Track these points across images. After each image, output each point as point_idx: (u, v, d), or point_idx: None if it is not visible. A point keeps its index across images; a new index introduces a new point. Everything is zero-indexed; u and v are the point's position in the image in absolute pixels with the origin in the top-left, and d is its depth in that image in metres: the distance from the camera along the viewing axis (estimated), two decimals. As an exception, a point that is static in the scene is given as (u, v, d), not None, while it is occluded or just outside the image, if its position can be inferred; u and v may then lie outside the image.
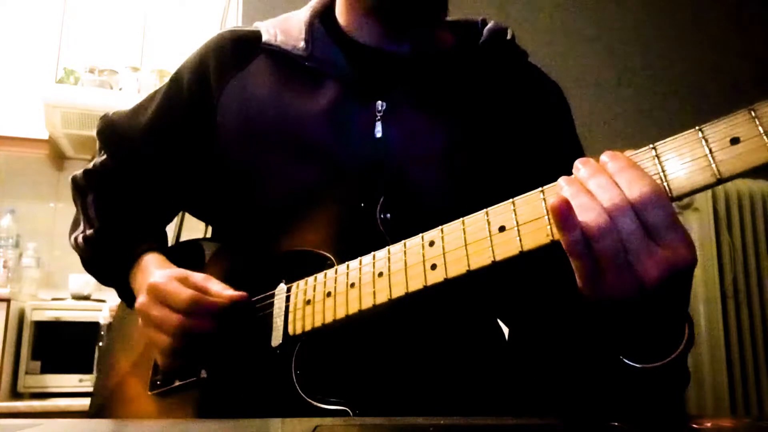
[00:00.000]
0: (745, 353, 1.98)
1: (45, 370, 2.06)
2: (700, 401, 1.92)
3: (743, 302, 2.01)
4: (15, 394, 2.05)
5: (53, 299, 2.33)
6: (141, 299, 0.72)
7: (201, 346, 0.69)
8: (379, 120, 0.73)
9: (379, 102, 0.74)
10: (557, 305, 0.70)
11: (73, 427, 0.56)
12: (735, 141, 0.43)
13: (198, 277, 0.71)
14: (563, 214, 0.46)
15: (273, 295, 0.69)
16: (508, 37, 0.82)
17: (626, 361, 0.53)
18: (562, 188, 0.49)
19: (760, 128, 0.42)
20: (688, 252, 0.46)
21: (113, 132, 0.89)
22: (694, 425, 0.49)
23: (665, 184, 0.46)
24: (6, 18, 2.47)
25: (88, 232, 0.84)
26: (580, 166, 0.49)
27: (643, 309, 0.49)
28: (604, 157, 0.49)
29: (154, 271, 0.74)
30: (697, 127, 0.45)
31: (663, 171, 0.46)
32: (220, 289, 0.69)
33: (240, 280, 0.73)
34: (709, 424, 0.49)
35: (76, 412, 1.88)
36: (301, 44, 0.77)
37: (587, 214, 0.46)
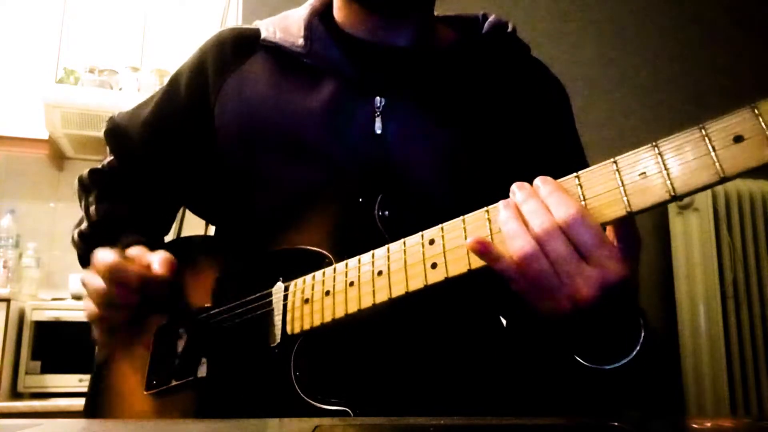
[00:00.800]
0: (745, 353, 1.98)
1: (45, 370, 2.06)
2: (700, 401, 1.91)
3: (743, 302, 2.01)
4: (15, 394, 2.05)
5: (53, 299, 2.33)
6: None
7: (126, 318, 0.70)
8: (378, 116, 0.73)
9: (378, 98, 0.74)
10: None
11: (73, 427, 0.56)
12: (738, 139, 0.43)
13: (134, 249, 0.72)
14: (481, 252, 0.51)
15: (270, 294, 0.69)
16: (509, 29, 0.82)
17: (582, 361, 0.57)
18: (498, 212, 0.52)
19: (764, 126, 0.42)
20: (619, 267, 0.48)
21: (116, 132, 0.89)
22: (694, 425, 0.49)
23: (668, 182, 0.46)
24: (6, 18, 2.47)
25: (83, 226, 0.86)
26: (515, 191, 0.52)
27: (582, 322, 0.51)
28: (537, 181, 0.51)
29: None
30: (699, 125, 0.45)
31: (666, 169, 0.46)
32: (151, 259, 0.69)
33: (236, 277, 0.73)
34: (709, 424, 0.49)
35: (76, 412, 1.87)
36: (300, 41, 0.77)
37: (516, 242, 0.49)
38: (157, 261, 0.69)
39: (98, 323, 0.71)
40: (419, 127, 0.74)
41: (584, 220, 0.48)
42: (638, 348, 0.55)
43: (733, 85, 2.19)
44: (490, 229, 0.53)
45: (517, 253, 0.49)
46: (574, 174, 0.51)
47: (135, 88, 2.40)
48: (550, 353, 0.66)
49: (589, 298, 0.48)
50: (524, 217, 0.50)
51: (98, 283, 0.69)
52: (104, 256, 0.69)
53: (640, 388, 0.60)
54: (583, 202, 0.50)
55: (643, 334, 0.56)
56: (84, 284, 0.72)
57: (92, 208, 0.86)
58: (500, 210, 0.52)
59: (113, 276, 0.68)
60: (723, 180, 0.44)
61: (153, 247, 0.80)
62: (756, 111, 0.43)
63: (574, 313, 0.49)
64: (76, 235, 0.86)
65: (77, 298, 2.31)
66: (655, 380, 0.64)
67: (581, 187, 0.50)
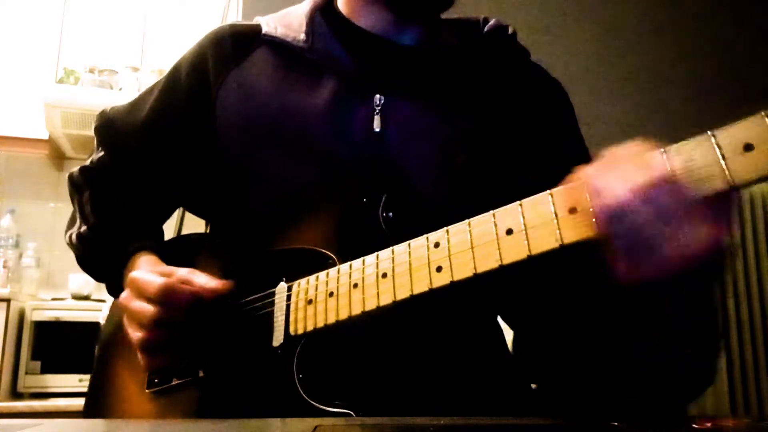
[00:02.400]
0: (745, 353, 1.98)
1: (45, 370, 2.06)
2: (700, 401, 1.92)
3: (743, 302, 2.01)
4: (15, 394, 2.05)
5: (53, 299, 2.33)
6: (122, 294, 0.70)
7: (178, 340, 0.68)
8: (377, 114, 0.73)
9: (378, 96, 0.74)
10: (566, 306, 0.70)
11: (73, 427, 0.56)
12: (749, 148, 0.43)
13: (182, 271, 0.69)
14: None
15: (273, 294, 0.69)
16: (510, 32, 0.82)
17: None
18: (603, 156, 0.49)
19: None
20: (715, 234, 0.46)
21: (111, 128, 0.88)
22: (694, 425, 0.49)
23: None
24: (6, 18, 2.47)
25: (83, 229, 0.84)
26: (605, 154, 0.50)
27: (672, 288, 0.50)
28: (625, 148, 0.50)
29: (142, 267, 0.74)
30: (709, 132, 0.44)
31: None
32: (203, 281, 0.68)
33: (238, 277, 0.73)
34: (709, 424, 0.49)
35: (76, 412, 1.87)
36: (302, 36, 0.77)
37: (607, 198, 0.47)
38: (207, 279, 0.68)
39: (149, 348, 0.68)
40: (418, 126, 0.74)
41: (672, 182, 0.46)
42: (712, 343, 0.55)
43: (734, 86, 2.19)
44: (496, 233, 0.52)
45: (608, 210, 0.47)
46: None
47: (135, 88, 2.40)
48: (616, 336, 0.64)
49: (673, 266, 0.46)
50: (615, 178, 0.48)
51: (146, 307, 0.67)
52: (149, 278, 0.67)
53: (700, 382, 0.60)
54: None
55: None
56: (126, 308, 0.69)
57: (87, 208, 0.84)
58: (592, 172, 0.50)
59: (166, 299, 0.66)
60: (733, 188, 0.43)
61: (157, 250, 0.80)
62: (767, 120, 0.42)
63: (670, 274, 0.47)
64: (74, 238, 0.84)
65: (77, 298, 2.31)
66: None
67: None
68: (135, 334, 0.68)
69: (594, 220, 0.48)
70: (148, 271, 0.69)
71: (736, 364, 1.96)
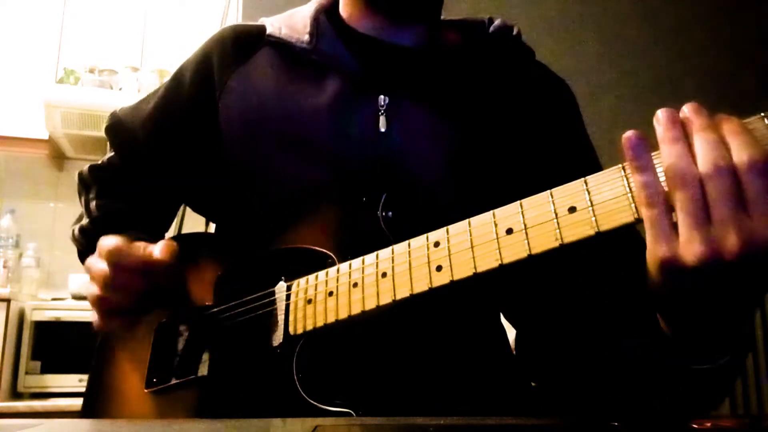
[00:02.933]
0: (745, 353, 1.97)
1: (45, 370, 2.06)
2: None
3: (743, 302, 2.01)
4: (15, 394, 2.05)
5: (53, 299, 2.33)
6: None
7: (127, 303, 0.70)
8: (382, 114, 0.73)
9: (382, 96, 0.74)
10: (566, 304, 0.70)
11: (73, 427, 0.56)
12: None
13: (142, 243, 0.71)
14: (633, 145, 0.44)
15: (273, 293, 0.69)
16: (515, 32, 0.82)
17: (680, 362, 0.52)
18: (661, 130, 0.45)
19: None
20: None
21: (118, 128, 0.89)
22: (694, 425, 0.48)
23: None
24: (6, 18, 2.47)
25: (85, 222, 0.85)
26: (690, 114, 0.45)
27: (712, 285, 0.44)
28: (719, 117, 0.45)
29: None
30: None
31: None
32: (153, 247, 0.69)
33: (238, 276, 0.73)
34: (709, 424, 0.49)
35: (76, 412, 1.86)
36: (306, 37, 0.77)
37: (680, 163, 0.43)
38: (159, 247, 0.69)
39: (99, 306, 0.71)
40: (423, 127, 0.74)
41: (766, 168, 0.41)
42: (741, 346, 0.50)
43: (735, 86, 2.19)
44: (497, 233, 0.52)
45: (677, 176, 0.42)
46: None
47: (135, 88, 2.40)
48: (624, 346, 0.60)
49: (736, 251, 0.41)
50: (696, 146, 0.43)
51: (101, 266, 0.69)
52: (108, 241, 0.69)
53: (717, 395, 0.56)
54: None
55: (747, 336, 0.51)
56: (88, 269, 0.72)
57: (93, 204, 0.86)
58: (668, 128, 0.45)
59: (115, 259, 0.68)
60: None
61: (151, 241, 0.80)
62: (767, 121, 0.42)
63: (708, 266, 0.42)
64: (76, 231, 0.86)
65: (77, 298, 2.31)
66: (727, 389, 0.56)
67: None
68: (90, 291, 0.71)
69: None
70: (112, 236, 0.71)
71: (737, 364, 1.95)
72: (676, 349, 0.52)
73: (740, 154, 0.42)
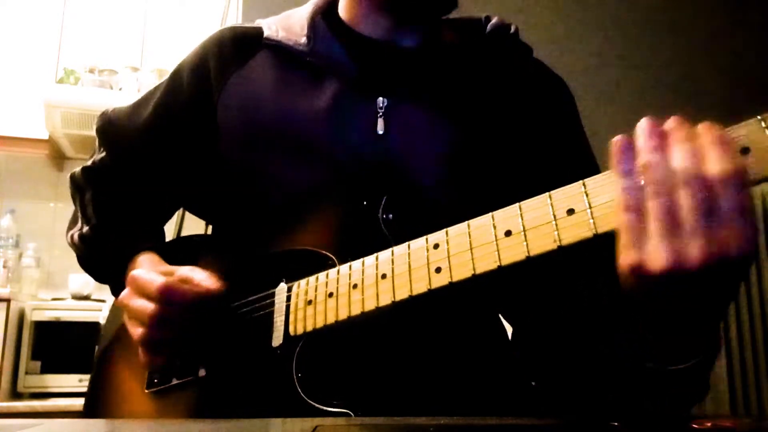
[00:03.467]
0: (745, 353, 1.98)
1: (45, 370, 2.06)
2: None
3: (743, 302, 2.01)
4: (15, 394, 2.05)
5: (53, 299, 2.33)
6: (123, 292, 0.71)
7: (178, 338, 0.68)
8: (380, 116, 0.73)
9: (381, 98, 0.74)
10: (564, 304, 0.70)
11: (73, 427, 0.56)
12: (745, 151, 0.43)
13: (183, 269, 0.69)
14: (622, 149, 0.45)
15: (273, 294, 0.69)
16: (512, 30, 0.82)
17: (650, 363, 0.53)
18: (642, 139, 0.45)
19: None
20: (744, 245, 0.42)
21: (112, 129, 0.88)
22: (694, 425, 0.49)
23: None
24: (6, 18, 2.47)
25: (85, 229, 0.84)
26: (672, 124, 0.46)
27: (675, 293, 0.45)
28: (699, 128, 0.45)
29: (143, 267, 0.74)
30: (759, 116, 0.44)
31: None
32: (202, 278, 0.68)
33: (238, 278, 0.73)
34: (709, 424, 0.49)
35: (76, 412, 1.87)
36: (303, 39, 0.77)
37: (657, 171, 0.44)
38: (209, 280, 0.68)
39: (148, 344, 0.69)
40: (422, 128, 0.74)
41: (740, 180, 0.42)
42: (712, 348, 0.51)
43: (734, 87, 2.19)
44: (495, 235, 0.52)
45: (653, 183, 0.43)
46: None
47: (135, 88, 2.40)
48: (603, 346, 0.62)
49: (701, 261, 0.42)
50: (674, 155, 0.44)
51: (146, 305, 0.67)
52: (150, 277, 0.67)
53: (692, 396, 0.57)
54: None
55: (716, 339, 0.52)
56: (125, 305, 0.70)
57: (89, 209, 0.85)
58: (649, 137, 0.45)
59: (167, 298, 0.66)
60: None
61: (159, 250, 0.80)
62: (763, 124, 0.42)
63: (673, 275, 0.43)
64: (76, 237, 0.85)
65: (77, 298, 2.32)
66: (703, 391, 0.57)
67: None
68: (136, 331, 0.69)
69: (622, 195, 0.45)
70: (149, 270, 0.70)
71: (736, 364, 1.96)
72: (653, 349, 0.53)
73: (714, 166, 0.43)
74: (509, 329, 0.82)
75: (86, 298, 2.32)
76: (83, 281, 2.33)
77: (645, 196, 0.44)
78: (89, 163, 0.89)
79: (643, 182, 0.44)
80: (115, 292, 0.83)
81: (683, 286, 0.44)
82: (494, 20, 0.83)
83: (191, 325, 0.68)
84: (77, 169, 0.89)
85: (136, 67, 2.51)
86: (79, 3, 2.57)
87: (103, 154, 0.88)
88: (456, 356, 0.72)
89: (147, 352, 0.69)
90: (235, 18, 2.12)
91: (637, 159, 0.45)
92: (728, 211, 0.42)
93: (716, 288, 0.46)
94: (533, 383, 0.78)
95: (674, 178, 0.43)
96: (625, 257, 0.45)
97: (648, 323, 0.52)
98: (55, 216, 2.58)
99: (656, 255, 0.43)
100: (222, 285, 0.68)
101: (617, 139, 0.46)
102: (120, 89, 2.44)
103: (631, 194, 0.45)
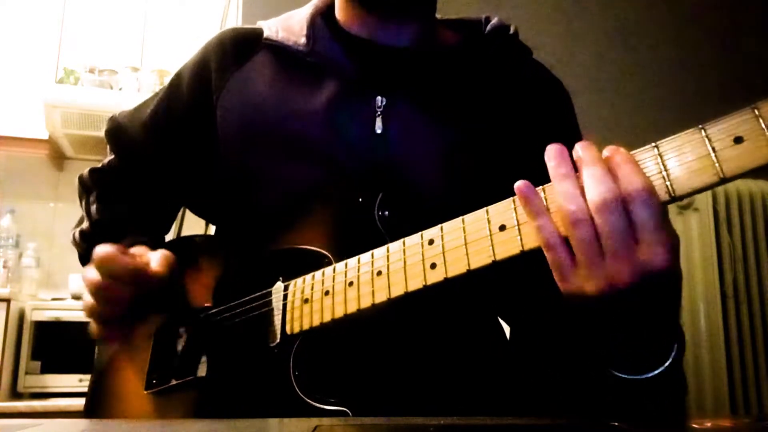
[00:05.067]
0: (745, 353, 1.98)
1: (45, 370, 2.06)
2: (700, 401, 1.91)
3: (743, 302, 2.01)
4: (15, 394, 2.05)
5: (53, 299, 2.33)
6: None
7: (117, 311, 0.70)
8: (379, 116, 0.73)
9: (379, 97, 0.74)
10: (554, 304, 0.70)
11: (73, 427, 0.56)
12: (739, 140, 0.43)
13: (137, 248, 0.71)
14: (525, 195, 0.48)
15: (270, 293, 0.69)
16: (511, 32, 0.82)
17: (614, 372, 0.53)
18: (551, 167, 0.48)
19: (764, 127, 0.42)
20: (666, 258, 0.44)
21: (118, 131, 0.90)
22: (694, 425, 0.49)
23: (668, 183, 0.45)
24: (6, 18, 2.47)
25: (85, 226, 0.86)
26: (580, 151, 0.48)
27: (615, 312, 0.48)
28: (606, 151, 0.47)
29: None
30: (699, 126, 0.45)
31: (666, 170, 0.46)
32: (146, 255, 0.69)
33: (236, 277, 0.73)
34: (709, 424, 0.49)
35: (76, 412, 1.87)
36: (303, 40, 0.77)
37: (569, 204, 0.46)
38: (156, 258, 0.69)
39: (94, 316, 0.71)
40: (420, 127, 0.74)
41: (652, 198, 0.44)
42: (672, 356, 0.51)
43: (734, 85, 2.19)
44: (490, 230, 0.53)
45: (567, 216, 0.45)
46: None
47: (135, 88, 2.40)
48: (570, 355, 0.63)
49: (629, 281, 0.44)
50: (584, 181, 0.46)
51: (93, 275, 0.69)
52: (101, 249, 0.69)
53: (667, 398, 0.57)
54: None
55: (676, 345, 0.51)
56: (83, 278, 0.72)
57: (93, 208, 0.86)
58: (558, 165, 0.47)
59: (106, 269, 0.68)
60: (723, 181, 0.44)
61: (155, 246, 0.80)
62: (756, 112, 0.42)
63: (608, 295, 0.46)
64: (77, 234, 0.87)
65: (77, 298, 2.31)
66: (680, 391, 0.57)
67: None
68: (85, 299, 0.71)
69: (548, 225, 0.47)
70: (106, 245, 0.70)
71: (736, 364, 1.95)
72: (621, 359, 0.53)
73: (625, 185, 0.45)
74: (509, 329, 0.82)
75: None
76: (82, 283, 2.33)
77: (565, 228, 0.46)
78: (99, 165, 0.91)
79: (559, 215, 0.47)
80: None
81: (618, 304, 0.47)
82: (494, 21, 0.83)
83: (127, 299, 0.69)
84: (86, 170, 0.91)
85: (136, 67, 2.51)
86: (79, 3, 2.57)
87: (112, 156, 0.90)
88: (453, 355, 0.72)
89: (95, 323, 0.72)
90: (235, 18, 2.13)
91: (547, 193, 0.47)
92: (646, 228, 0.44)
93: (648, 303, 0.48)
94: (532, 384, 0.78)
95: (590, 205, 0.45)
96: (562, 287, 0.48)
97: (606, 335, 0.53)
98: (55, 216, 2.58)
99: (588, 283, 0.46)
100: (165, 270, 0.69)
101: (519, 184, 0.49)
102: (120, 89, 2.44)
103: (548, 231, 0.47)
